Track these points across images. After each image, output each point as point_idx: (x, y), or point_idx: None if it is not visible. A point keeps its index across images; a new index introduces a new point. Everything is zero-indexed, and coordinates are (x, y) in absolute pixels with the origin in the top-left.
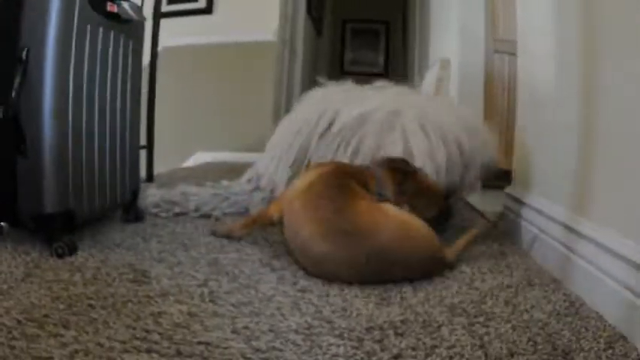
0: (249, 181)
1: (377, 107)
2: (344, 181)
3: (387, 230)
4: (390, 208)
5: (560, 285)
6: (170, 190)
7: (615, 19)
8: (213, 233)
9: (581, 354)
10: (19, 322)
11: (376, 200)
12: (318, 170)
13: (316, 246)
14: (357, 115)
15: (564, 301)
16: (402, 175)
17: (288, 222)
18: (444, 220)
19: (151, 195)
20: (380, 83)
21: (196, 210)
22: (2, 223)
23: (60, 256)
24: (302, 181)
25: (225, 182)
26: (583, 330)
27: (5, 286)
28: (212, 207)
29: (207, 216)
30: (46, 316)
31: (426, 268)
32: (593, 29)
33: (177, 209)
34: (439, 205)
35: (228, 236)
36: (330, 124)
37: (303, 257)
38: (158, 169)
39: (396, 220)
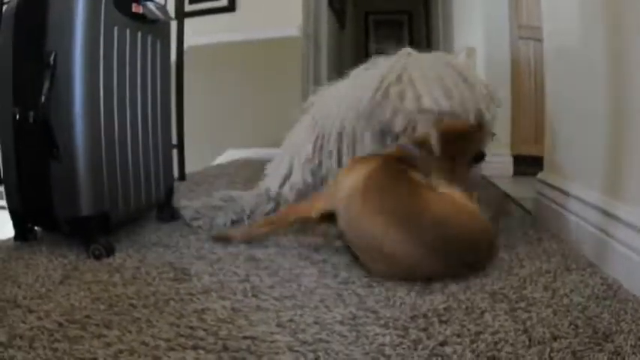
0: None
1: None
2: (402, 172)
3: (460, 220)
4: (455, 196)
5: (596, 269)
6: (204, 198)
7: None
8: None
9: (622, 336)
10: (60, 324)
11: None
12: (369, 163)
13: (389, 240)
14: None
15: (602, 284)
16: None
17: (350, 220)
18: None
19: (183, 207)
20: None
21: (252, 212)
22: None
23: (97, 257)
24: (354, 177)
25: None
26: (622, 313)
27: (44, 290)
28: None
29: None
30: (87, 317)
31: (488, 255)
32: (619, 4)
33: (221, 216)
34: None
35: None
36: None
37: (374, 254)
38: (190, 167)
39: (465, 210)
